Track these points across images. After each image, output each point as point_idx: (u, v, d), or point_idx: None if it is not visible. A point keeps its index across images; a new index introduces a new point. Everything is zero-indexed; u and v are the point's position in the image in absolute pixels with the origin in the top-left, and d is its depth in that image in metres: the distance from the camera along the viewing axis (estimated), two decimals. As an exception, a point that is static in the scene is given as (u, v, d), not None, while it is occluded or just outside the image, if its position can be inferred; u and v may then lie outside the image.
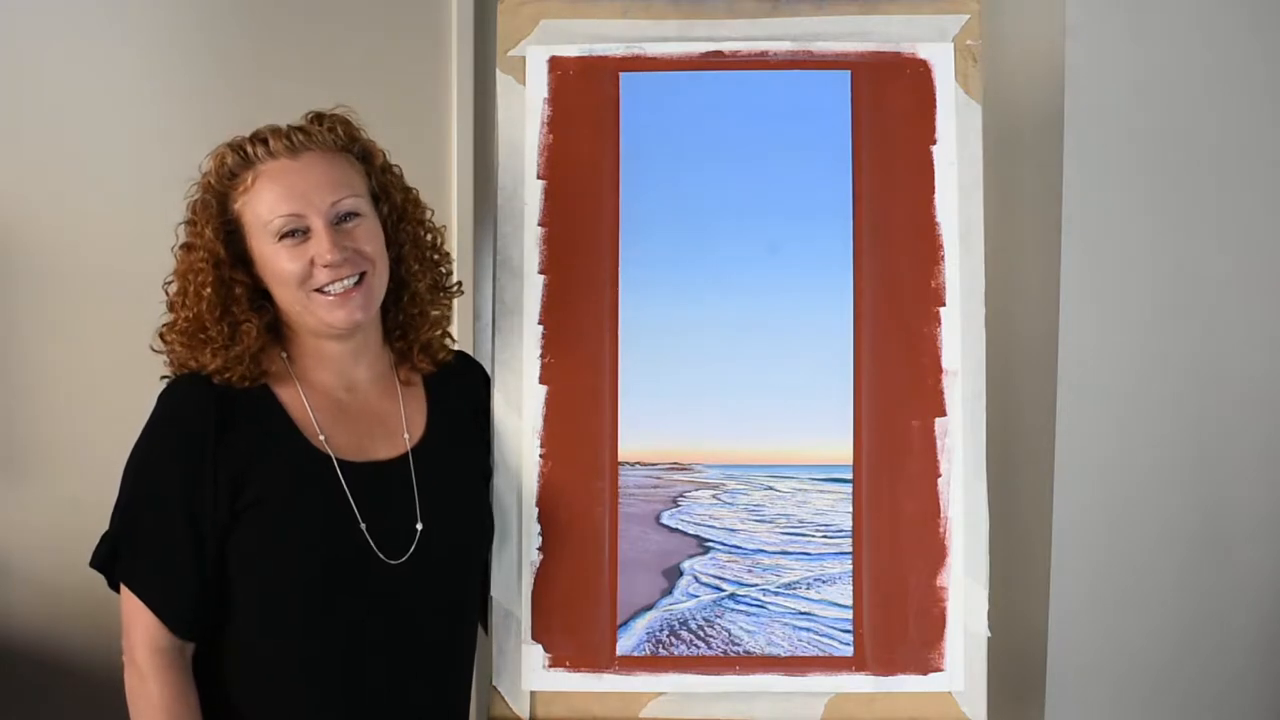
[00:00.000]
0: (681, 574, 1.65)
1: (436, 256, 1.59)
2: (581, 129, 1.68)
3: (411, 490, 1.50)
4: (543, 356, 1.65)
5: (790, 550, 1.65)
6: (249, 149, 1.45)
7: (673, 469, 1.66)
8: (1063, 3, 2.21)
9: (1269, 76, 2.26)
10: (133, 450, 1.45)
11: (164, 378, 1.49)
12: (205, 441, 1.41)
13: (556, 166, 1.67)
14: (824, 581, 1.65)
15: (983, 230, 1.67)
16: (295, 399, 1.48)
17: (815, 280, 1.67)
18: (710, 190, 1.68)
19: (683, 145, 1.68)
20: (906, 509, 1.65)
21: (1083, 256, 2.23)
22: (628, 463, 1.65)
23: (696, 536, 1.65)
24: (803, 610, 1.64)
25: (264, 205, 1.44)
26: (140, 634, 1.40)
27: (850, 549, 1.65)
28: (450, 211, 2.18)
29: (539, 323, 1.66)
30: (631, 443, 1.65)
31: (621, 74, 1.68)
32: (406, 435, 1.54)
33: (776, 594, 1.65)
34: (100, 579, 1.45)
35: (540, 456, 1.64)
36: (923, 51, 1.68)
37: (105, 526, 1.45)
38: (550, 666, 1.63)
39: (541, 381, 1.65)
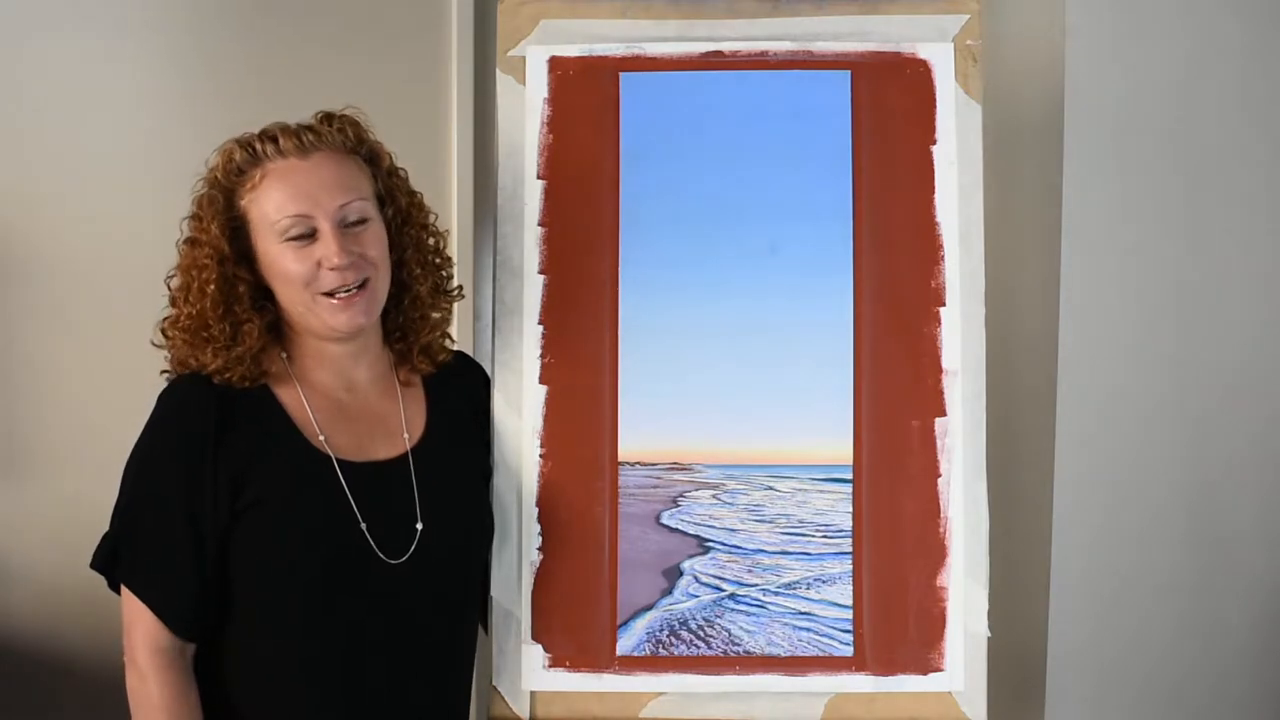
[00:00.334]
0: (681, 574, 1.65)
1: (439, 260, 1.59)
2: (581, 129, 1.68)
3: (411, 490, 1.50)
4: (543, 356, 1.65)
5: (790, 550, 1.65)
6: (258, 146, 1.45)
7: (673, 469, 1.66)
8: (1063, 3, 2.21)
9: (1268, 76, 2.26)
10: (133, 450, 1.45)
11: (164, 372, 1.49)
12: (205, 442, 1.41)
13: (556, 166, 1.67)
14: (824, 581, 1.65)
15: (983, 230, 1.67)
16: (295, 399, 1.48)
17: (815, 280, 1.67)
18: (710, 190, 1.68)
19: (683, 145, 1.68)
20: (906, 509, 1.65)
21: (1083, 256, 2.23)
22: (628, 463, 1.65)
23: (696, 536, 1.65)
24: (803, 610, 1.64)
25: (271, 204, 1.44)
26: (141, 634, 1.40)
27: (850, 549, 1.65)
28: (450, 211, 2.18)
29: (539, 323, 1.66)
30: (631, 443, 1.65)
31: (621, 74, 1.68)
32: (406, 435, 1.54)
33: (776, 594, 1.65)
34: (100, 579, 1.45)
35: (540, 456, 1.64)
36: (923, 51, 1.68)
37: (105, 527, 1.45)
38: (550, 666, 1.63)
39: (541, 381, 1.65)
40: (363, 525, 1.44)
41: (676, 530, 1.65)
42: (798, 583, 1.65)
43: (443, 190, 2.17)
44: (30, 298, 2.08)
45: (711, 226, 1.67)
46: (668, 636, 1.63)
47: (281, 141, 1.44)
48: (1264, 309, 2.28)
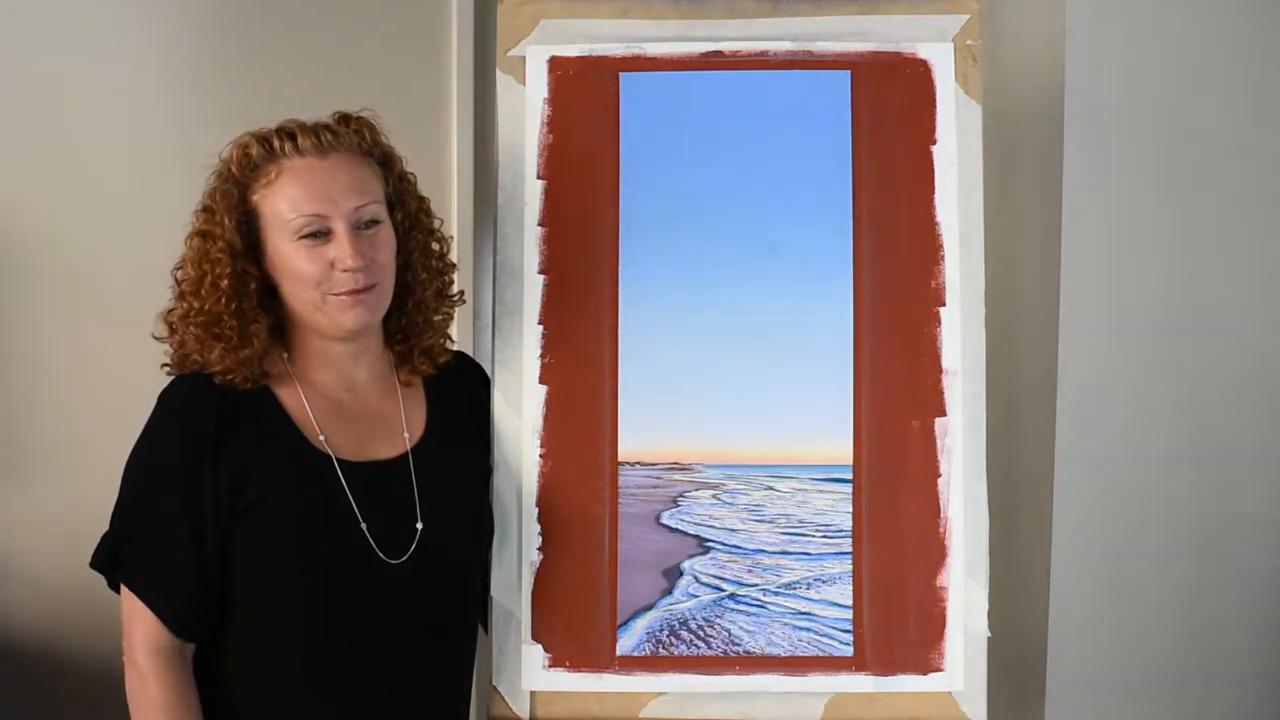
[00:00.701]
0: (681, 574, 1.65)
1: (443, 265, 1.59)
2: (581, 129, 1.68)
3: (411, 490, 1.50)
4: (543, 356, 1.65)
5: (790, 550, 1.65)
6: (276, 142, 1.45)
7: (673, 469, 1.66)
8: (1063, 3, 2.21)
9: (1269, 76, 2.26)
10: (133, 450, 1.45)
11: (164, 366, 1.49)
12: (206, 441, 1.41)
13: (556, 166, 1.67)
14: (824, 581, 1.65)
15: (983, 230, 1.67)
16: (295, 399, 1.48)
17: (815, 280, 1.67)
18: (710, 190, 1.68)
19: (683, 145, 1.68)
20: (906, 509, 1.65)
21: (1083, 256, 2.23)
22: (628, 463, 1.65)
23: (696, 536, 1.65)
24: (803, 610, 1.64)
25: (286, 202, 1.43)
26: (141, 634, 1.40)
27: (850, 549, 1.65)
28: (450, 211, 2.18)
29: (539, 323, 1.66)
30: (631, 443, 1.65)
31: (621, 74, 1.68)
32: (406, 435, 1.54)
33: (776, 594, 1.65)
34: (100, 579, 1.45)
35: (540, 456, 1.64)
36: (923, 51, 1.68)
37: (106, 526, 1.45)
38: (550, 666, 1.63)
39: (541, 381, 1.65)
40: (363, 525, 1.44)
41: (676, 530, 1.65)
42: (798, 583, 1.65)
43: (443, 190, 2.17)
44: (30, 298, 2.08)
45: (711, 226, 1.68)
46: (668, 636, 1.63)
47: (300, 140, 1.44)
48: (1264, 309, 2.28)
